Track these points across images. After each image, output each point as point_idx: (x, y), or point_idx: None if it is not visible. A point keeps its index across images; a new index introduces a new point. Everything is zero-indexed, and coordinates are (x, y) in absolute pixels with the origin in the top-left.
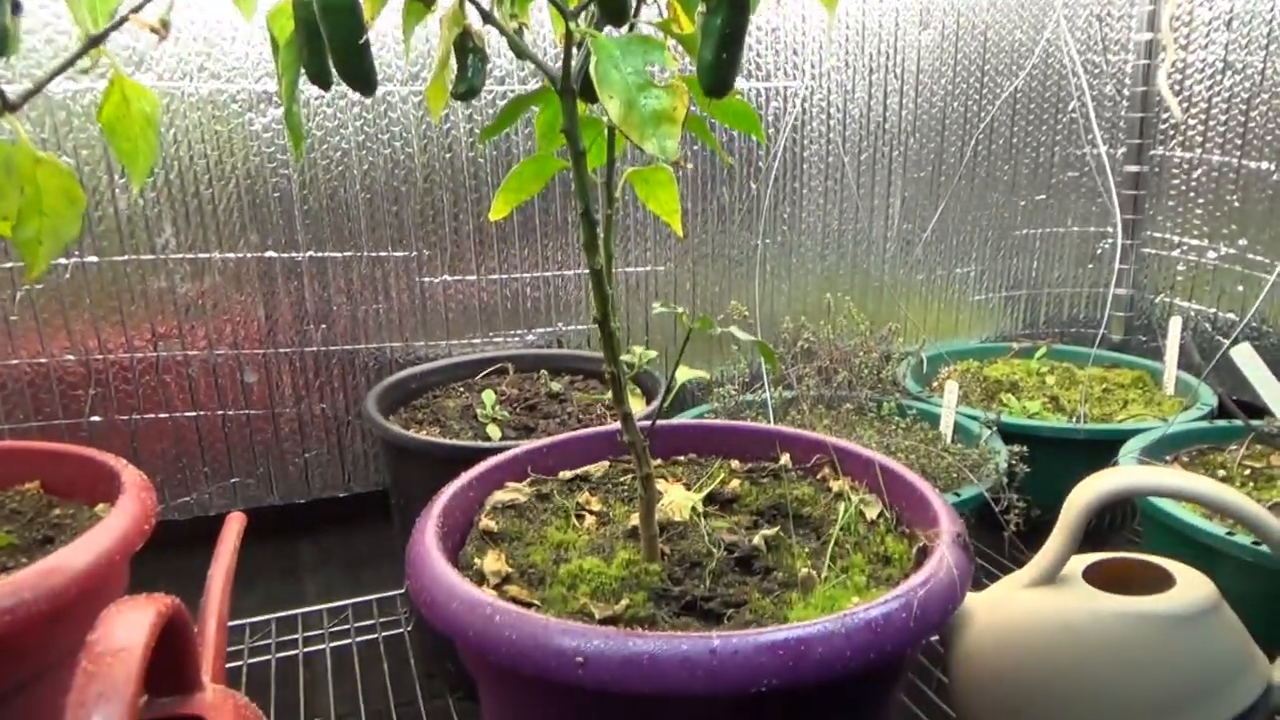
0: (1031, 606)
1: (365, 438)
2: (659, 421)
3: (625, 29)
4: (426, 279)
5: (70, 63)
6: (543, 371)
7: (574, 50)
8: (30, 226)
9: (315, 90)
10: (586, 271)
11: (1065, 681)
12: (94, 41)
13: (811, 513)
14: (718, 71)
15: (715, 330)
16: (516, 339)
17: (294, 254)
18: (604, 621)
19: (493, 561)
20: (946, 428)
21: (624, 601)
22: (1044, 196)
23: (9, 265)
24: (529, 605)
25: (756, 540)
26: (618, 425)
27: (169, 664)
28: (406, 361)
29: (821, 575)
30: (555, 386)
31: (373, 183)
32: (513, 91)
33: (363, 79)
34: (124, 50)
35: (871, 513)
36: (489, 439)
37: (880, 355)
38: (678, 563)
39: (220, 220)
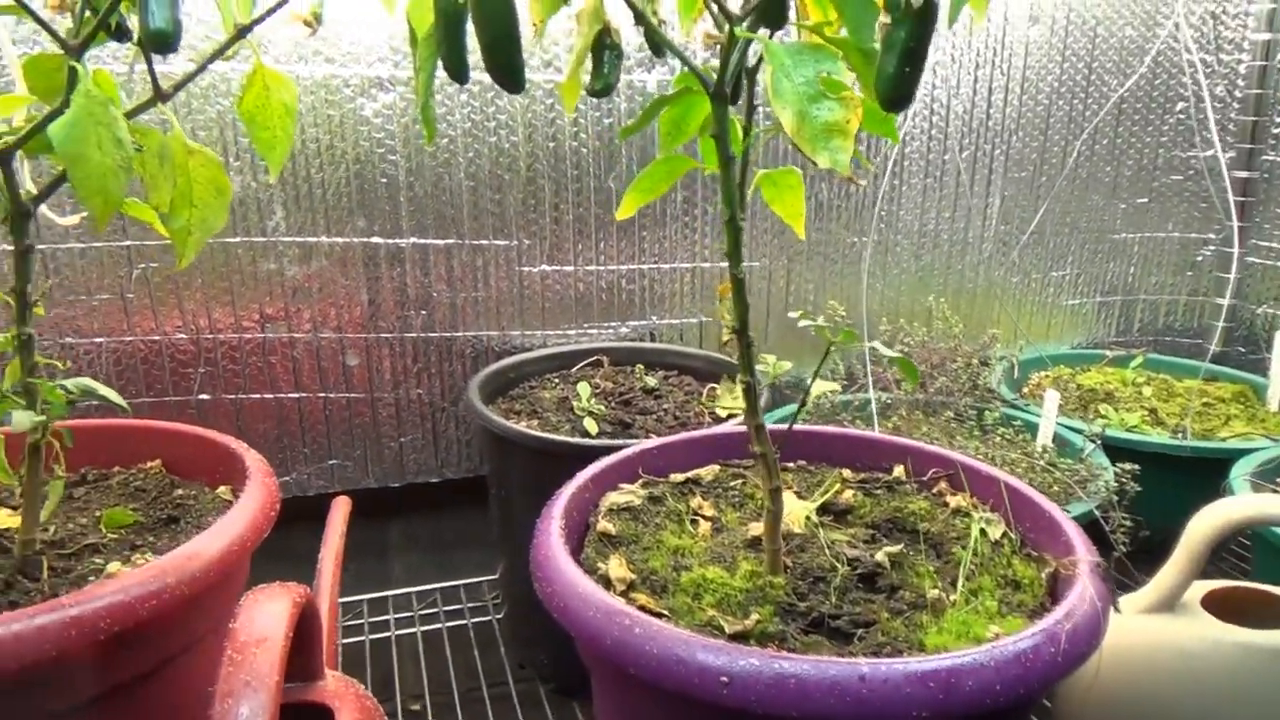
0: (1148, 633)
1: (459, 424)
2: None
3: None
4: (525, 268)
5: (220, 52)
6: (638, 366)
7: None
8: (181, 216)
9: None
10: (682, 265)
11: (1182, 712)
12: (242, 32)
13: (930, 529)
14: (899, 84)
15: (859, 345)
16: (610, 331)
17: (398, 240)
18: (734, 637)
19: (617, 567)
20: (1045, 438)
21: (753, 616)
22: (1145, 200)
23: (126, 243)
24: (657, 615)
25: (880, 556)
26: (722, 427)
27: (297, 652)
28: (502, 350)
29: (950, 598)
30: (650, 381)
31: (477, 171)
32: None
33: (513, 75)
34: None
35: (995, 532)
36: (586, 433)
37: (978, 361)
38: (800, 576)
39: (329, 204)
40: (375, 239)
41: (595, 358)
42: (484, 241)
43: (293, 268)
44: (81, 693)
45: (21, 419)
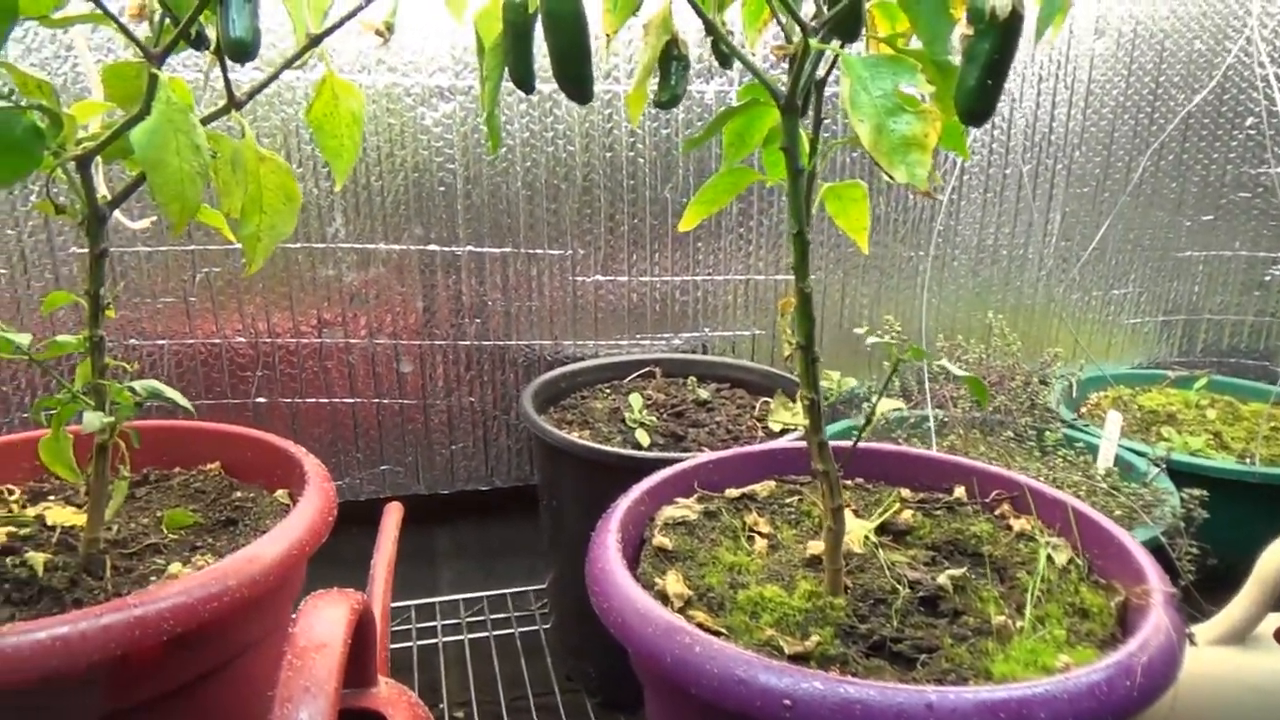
0: (1217, 666)
1: (510, 432)
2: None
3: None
4: (579, 278)
5: (292, 62)
6: (690, 378)
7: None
8: (251, 222)
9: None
10: (736, 277)
11: None
12: (315, 41)
13: (992, 552)
14: (980, 97)
15: (927, 361)
16: (663, 343)
17: (454, 248)
18: (794, 658)
19: (674, 583)
20: (1106, 460)
21: (813, 638)
22: (1211, 217)
23: (191, 248)
24: (715, 633)
25: (943, 580)
26: (778, 443)
27: (353, 658)
28: (555, 359)
29: (1016, 625)
30: (703, 394)
31: (534, 180)
32: None
33: (582, 86)
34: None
35: (1061, 558)
36: (638, 444)
37: (1037, 380)
38: (860, 598)
39: (387, 212)
40: (432, 246)
41: (647, 369)
42: (539, 251)
43: (351, 274)
44: (142, 692)
45: (92, 420)
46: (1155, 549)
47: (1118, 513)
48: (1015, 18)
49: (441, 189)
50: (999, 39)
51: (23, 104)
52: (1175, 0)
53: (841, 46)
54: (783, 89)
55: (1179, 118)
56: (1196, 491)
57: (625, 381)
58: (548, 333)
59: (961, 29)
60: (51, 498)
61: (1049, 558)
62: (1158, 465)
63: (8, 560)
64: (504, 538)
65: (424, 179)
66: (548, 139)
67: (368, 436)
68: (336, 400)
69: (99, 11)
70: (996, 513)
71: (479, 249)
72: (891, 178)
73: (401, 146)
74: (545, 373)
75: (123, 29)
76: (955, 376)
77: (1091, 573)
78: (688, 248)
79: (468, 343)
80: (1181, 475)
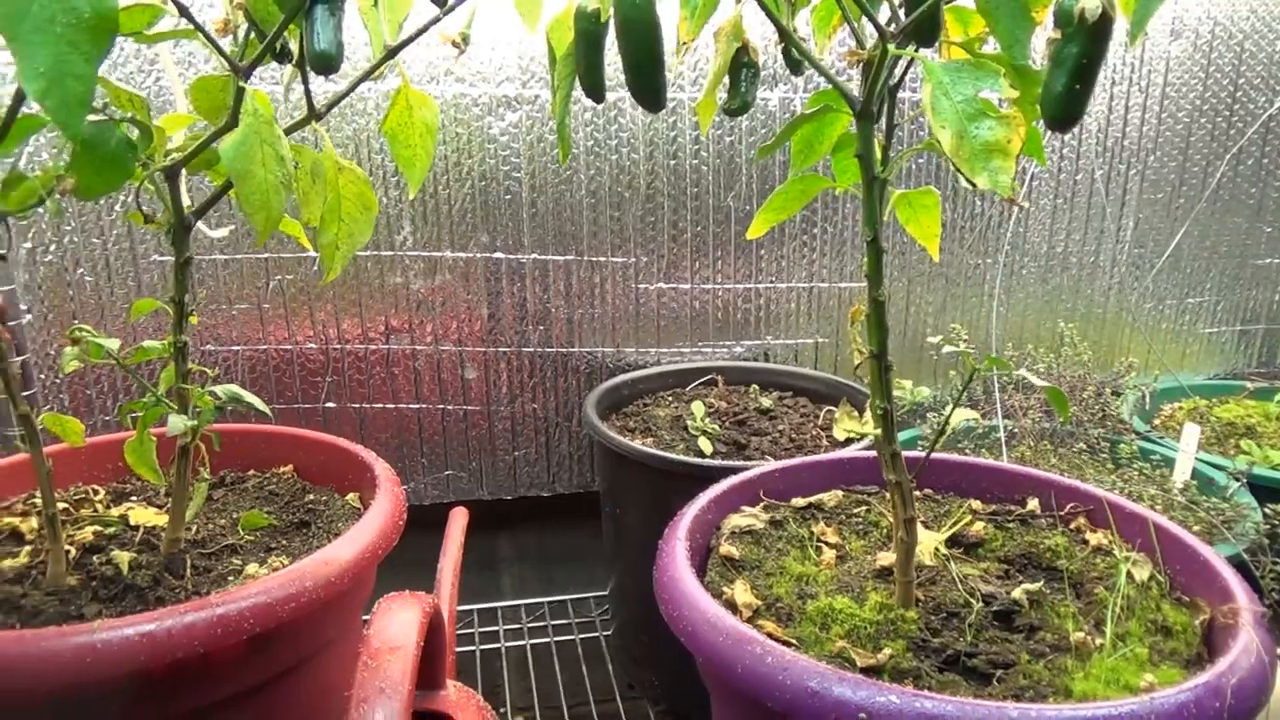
0: None
1: (572, 439)
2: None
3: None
4: (642, 285)
5: (370, 73)
6: (753, 386)
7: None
8: (330, 231)
9: (546, 95)
10: (799, 285)
11: None
12: (391, 53)
13: (1068, 567)
14: (1069, 103)
15: (1012, 373)
16: (724, 350)
17: (519, 255)
18: (865, 670)
19: (742, 592)
20: (1182, 474)
21: (886, 651)
22: None
23: (265, 256)
24: (785, 644)
25: (1017, 594)
26: (845, 452)
27: (424, 660)
28: (616, 367)
29: (1096, 642)
30: (765, 402)
31: (598, 188)
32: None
33: (655, 95)
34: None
35: (1140, 574)
36: (700, 452)
37: (1109, 390)
38: (933, 611)
39: (454, 220)
40: (497, 254)
41: (709, 376)
42: (602, 258)
43: (418, 281)
44: (220, 691)
45: (176, 423)
46: (1237, 566)
47: (1196, 528)
48: (1105, 20)
49: (507, 197)
50: (1088, 42)
51: (116, 117)
52: (1256, 0)
53: (916, 51)
54: (856, 95)
55: (1259, 121)
56: None
57: (687, 389)
58: (610, 340)
59: (1048, 33)
60: (133, 498)
61: (1129, 573)
62: (1238, 479)
63: (95, 558)
64: (564, 544)
65: (490, 187)
66: (611, 147)
67: (432, 442)
68: (403, 405)
69: (190, 27)
70: (1071, 526)
71: (543, 256)
72: (973, 184)
73: (469, 155)
74: (607, 380)
75: (212, 43)
76: (1034, 387)
77: (1173, 589)
78: (750, 255)
79: (531, 350)
80: (1263, 490)
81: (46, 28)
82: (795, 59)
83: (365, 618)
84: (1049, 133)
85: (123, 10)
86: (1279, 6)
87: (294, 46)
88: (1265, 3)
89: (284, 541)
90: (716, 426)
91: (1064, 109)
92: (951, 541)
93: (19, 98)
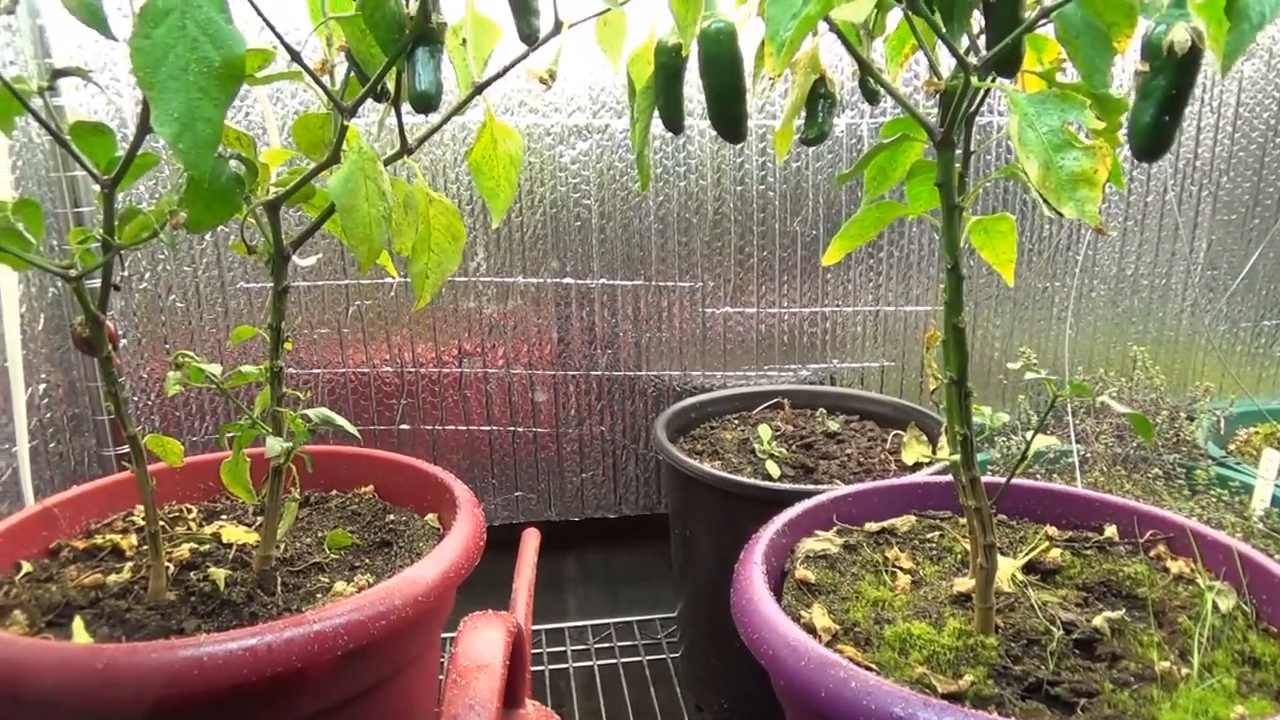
0: None
1: (638, 462)
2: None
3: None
4: (708, 309)
5: (459, 108)
6: (819, 409)
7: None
8: (421, 261)
9: (620, 124)
10: (865, 308)
11: None
12: (479, 89)
13: (1149, 595)
14: (1157, 133)
15: (1093, 398)
16: (790, 374)
17: (588, 280)
18: (947, 697)
19: (821, 616)
20: (1262, 501)
21: (967, 677)
22: None
23: (344, 283)
24: (865, 669)
25: (1099, 622)
26: (916, 477)
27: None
28: (683, 390)
29: (1182, 672)
30: (832, 425)
31: (666, 214)
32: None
33: (736, 126)
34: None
35: (1226, 604)
36: (768, 475)
37: (1183, 415)
38: (1012, 638)
39: (526, 246)
40: (567, 279)
41: (776, 400)
42: (669, 283)
43: (490, 306)
44: (311, 705)
45: (274, 445)
46: None
47: (1278, 558)
48: (1195, 53)
49: (577, 224)
50: (1176, 75)
51: (226, 154)
52: None
53: (994, 81)
54: (935, 124)
55: None
56: None
57: (754, 412)
58: (677, 363)
59: (1135, 65)
60: (224, 517)
61: (1214, 603)
62: None
63: (192, 575)
64: (629, 566)
65: (561, 214)
66: (679, 174)
67: (503, 463)
68: (474, 427)
69: (298, 69)
70: (1151, 554)
71: (611, 281)
72: (1060, 213)
73: (541, 184)
74: (674, 403)
75: (319, 84)
76: (1106, 412)
77: (1260, 620)
78: (816, 279)
79: (599, 373)
80: None
81: (180, 76)
82: (872, 89)
83: (445, 635)
84: (1122, 154)
85: None
86: None
87: (389, 85)
88: None
89: (368, 560)
90: (783, 450)
91: (1153, 140)
92: (1028, 568)
93: (139, 139)
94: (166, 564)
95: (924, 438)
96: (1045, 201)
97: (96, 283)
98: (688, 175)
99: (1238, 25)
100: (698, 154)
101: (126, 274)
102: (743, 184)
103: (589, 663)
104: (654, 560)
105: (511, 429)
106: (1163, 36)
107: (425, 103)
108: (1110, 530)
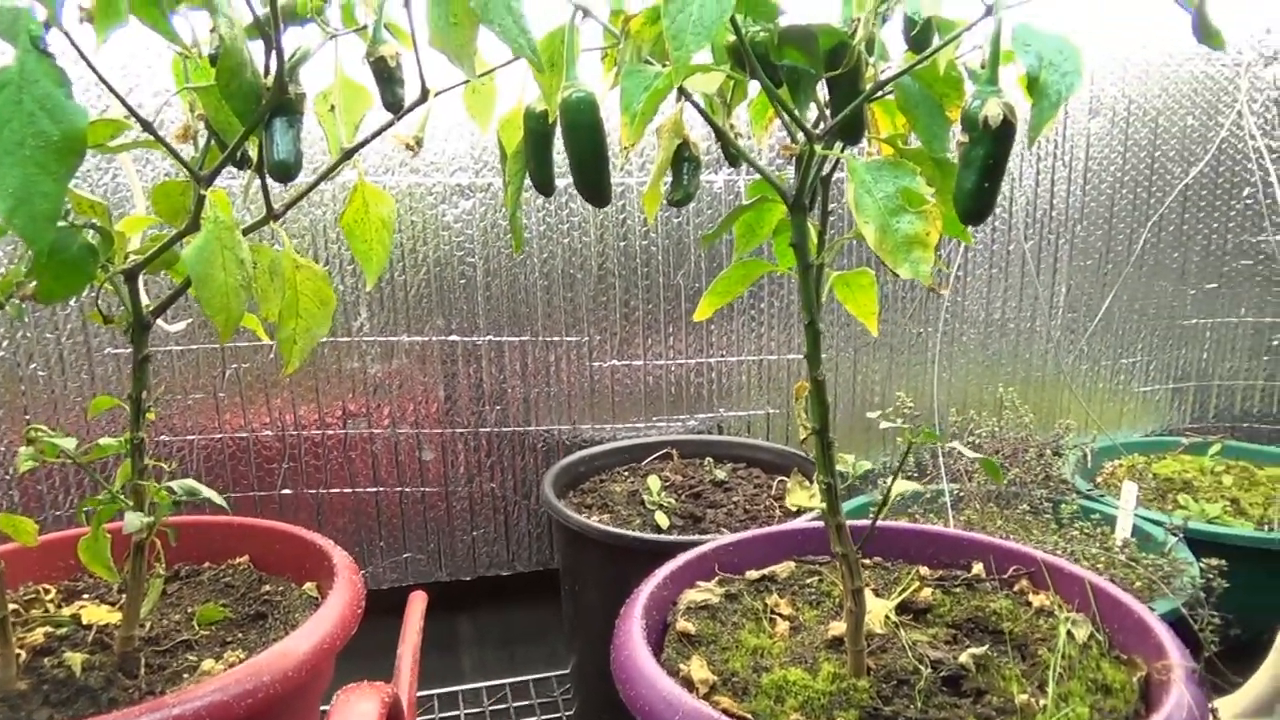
0: None
1: (530, 517)
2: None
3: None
4: (596, 363)
5: (328, 173)
6: (707, 458)
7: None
8: (288, 327)
9: (498, 182)
10: (748, 358)
11: None
12: (348, 154)
13: (1013, 629)
14: (978, 199)
15: (941, 444)
16: (679, 424)
17: (475, 338)
18: None
19: (698, 668)
20: (1124, 531)
21: None
22: (1215, 285)
23: (219, 346)
24: (740, 719)
25: (964, 659)
26: (795, 523)
27: None
28: (573, 443)
29: (1040, 703)
30: (720, 474)
31: (551, 270)
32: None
33: (600, 191)
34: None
35: (1081, 634)
36: (657, 526)
37: (1051, 451)
38: (884, 679)
39: (411, 305)
40: (453, 337)
41: (665, 450)
42: (556, 338)
43: (375, 365)
44: None
45: (133, 520)
46: (1177, 620)
47: (1138, 584)
48: (1007, 126)
49: (462, 281)
50: (992, 145)
51: (78, 223)
52: (1166, 79)
53: (843, 149)
54: (790, 187)
55: (1176, 190)
56: (1215, 561)
57: (643, 464)
58: (566, 417)
59: (958, 133)
60: (85, 596)
61: (1069, 634)
62: (1175, 534)
63: (45, 661)
64: (525, 622)
65: (445, 272)
66: (563, 230)
67: (390, 525)
68: (360, 489)
69: (151, 139)
70: (1015, 589)
71: (498, 338)
72: (896, 274)
73: (424, 242)
74: (564, 457)
75: (174, 155)
76: (981, 449)
77: (1112, 648)
78: (701, 331)
79: (488, 429)
80: (1200, 544)
81: (16, 151)
82: (732, 154)
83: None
84: (979, 225)
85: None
86: (1188, 85)
87: (253, 152)
88: (1175, 82)
89: (240, 635)
90: (672, 500)
91: (975, 204)
92: (901, 608)
93: None
94: (18, 650)
95: (807, 483)
96: (883, 262)
97: None
98: (571, 232)
99: (1039, 102)
100: (580, 211)
101: None
102: (626, 239)
103: None
104: (550, 617)
105: (399, 489)
106: (979, 110)
107: (284, 172)
108: (977, 568)
